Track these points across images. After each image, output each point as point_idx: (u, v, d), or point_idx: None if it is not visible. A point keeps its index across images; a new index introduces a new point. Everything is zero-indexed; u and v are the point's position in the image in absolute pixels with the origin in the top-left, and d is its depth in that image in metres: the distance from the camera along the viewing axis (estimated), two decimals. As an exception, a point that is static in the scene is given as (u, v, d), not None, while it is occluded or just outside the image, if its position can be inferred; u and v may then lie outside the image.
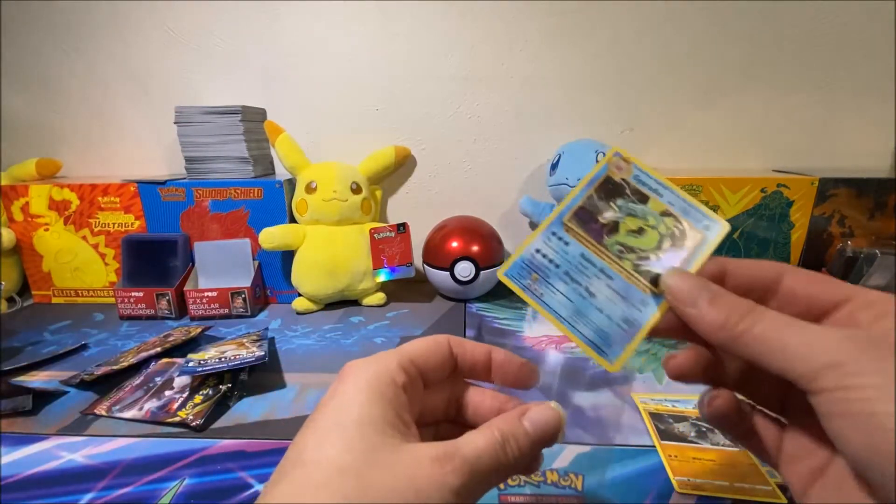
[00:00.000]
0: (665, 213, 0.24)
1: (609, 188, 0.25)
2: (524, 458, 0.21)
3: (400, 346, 0.24)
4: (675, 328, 0.24)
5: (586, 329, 0.24)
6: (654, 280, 0.24)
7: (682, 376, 0.24)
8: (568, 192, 0.77)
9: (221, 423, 0.44)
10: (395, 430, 0.20)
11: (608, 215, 0.25)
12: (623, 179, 0.25)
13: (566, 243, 0.25)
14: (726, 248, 0.66)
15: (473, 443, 0.20)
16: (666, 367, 0.25)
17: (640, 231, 0.24)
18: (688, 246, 0.24)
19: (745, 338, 0.20)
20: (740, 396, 0.25)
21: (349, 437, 0.19)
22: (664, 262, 0.24)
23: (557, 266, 0.25)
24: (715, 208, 0.65)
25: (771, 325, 0.20)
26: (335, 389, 0.21)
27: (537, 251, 0.25)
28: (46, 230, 0.74)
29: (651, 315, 0.23)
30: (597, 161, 0.67)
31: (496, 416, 0.22)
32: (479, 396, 0.26)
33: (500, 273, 0.25)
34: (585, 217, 0.25)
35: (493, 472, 0.20)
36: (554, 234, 0.25)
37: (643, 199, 0.25)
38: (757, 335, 0.20)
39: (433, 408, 0.26)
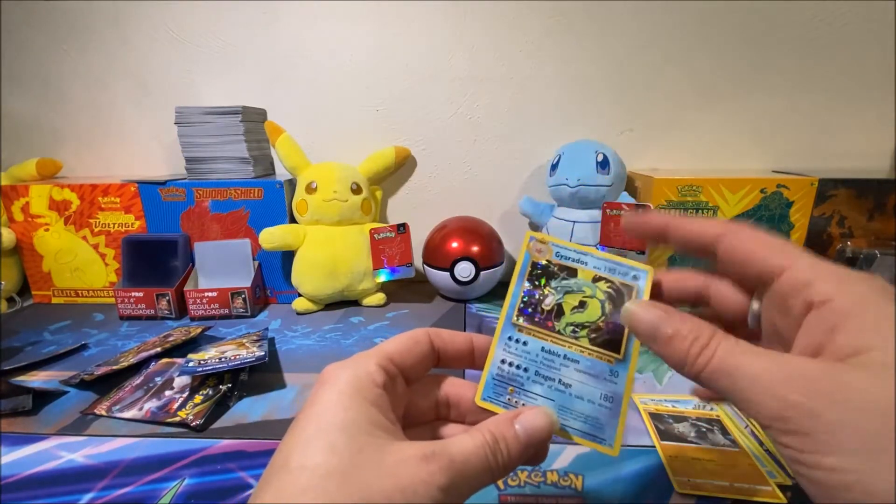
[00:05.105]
0: (596, 279, 0.25)
1: (539, 273, 0.26)
2: (514, 462, 0.21)
3: (378, 345, 0.24)
4: None
5: (576, 422, 0.24)
6: (613, 346, 0.24)
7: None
8: (566, 193, 0.75)
9: (221, 423, 0.44)
10: (380, 431, 0.20)
11: (549, 300, 0.25)
12: (548, 261, 0.26)
13: (524, 343, 0.25)
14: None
15: (462, 444, 0.20)
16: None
17: (581, 305, 0.25)
18: (626, 301, 0.25)
19: (703, 376, 0.20)
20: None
21: (334, 441, 0.19)
22: (613, 324, 0.24)
23: (526, 370, 0.25)
24: (715, 209, 0.65)
25: (723, 360, 0.19)
26: (316, 395, 0.21)
27: (502, 362, 0.25)
28: (47, 230, 0.74)
29: (625, 381, 0.24)
30: (596, 161, 0.67)
31: (489, 418, 0.22)
32: (470, 393, 0.26)
33: (478, 399, 0.25)
34: (530, 310, 0.25)
35: (480, 474, 0.20)
36: (510, 338, 0.25)
37: (572, 272, 0.25)
38: (711, 372, 0.19)
39: (423, 407, 0.26)
